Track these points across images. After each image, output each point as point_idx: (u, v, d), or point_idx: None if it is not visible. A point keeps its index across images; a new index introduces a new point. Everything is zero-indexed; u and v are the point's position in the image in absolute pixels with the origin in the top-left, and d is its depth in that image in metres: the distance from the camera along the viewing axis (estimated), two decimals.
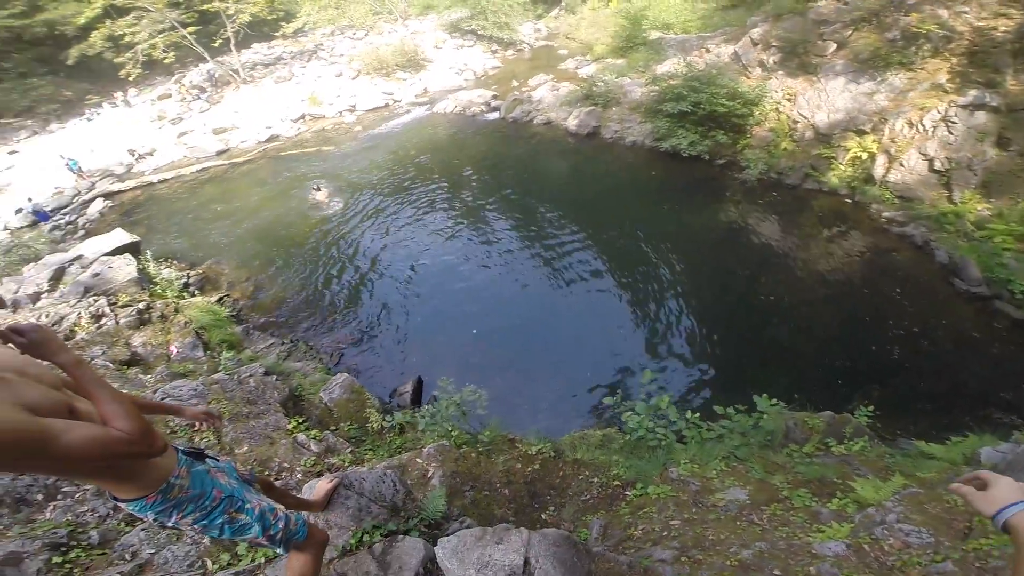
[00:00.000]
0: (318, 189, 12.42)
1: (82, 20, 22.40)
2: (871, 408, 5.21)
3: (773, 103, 12.73)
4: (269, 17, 26.24)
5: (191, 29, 23.25)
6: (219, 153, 17.97)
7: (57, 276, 8.77)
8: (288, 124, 19.44)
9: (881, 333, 7.77)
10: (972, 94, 9.97)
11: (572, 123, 15.03)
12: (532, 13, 29.87)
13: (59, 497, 3.70)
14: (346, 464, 4.24)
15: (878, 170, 10.73)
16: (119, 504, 1.62)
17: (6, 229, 15.50)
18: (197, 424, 2.20)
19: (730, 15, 19.33)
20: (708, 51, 15.59)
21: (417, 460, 4.16)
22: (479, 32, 26.33)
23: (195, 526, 1.76)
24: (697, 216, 10.68)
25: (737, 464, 4.45)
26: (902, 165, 10.43)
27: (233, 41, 24.21)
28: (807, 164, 11.63)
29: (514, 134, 15.47)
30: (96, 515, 3.56)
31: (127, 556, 3.11)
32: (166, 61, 23.42)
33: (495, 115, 17.17)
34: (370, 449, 4.77)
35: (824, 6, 13.03)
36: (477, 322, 8.10)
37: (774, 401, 5.03)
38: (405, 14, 29.95)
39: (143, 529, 3.29)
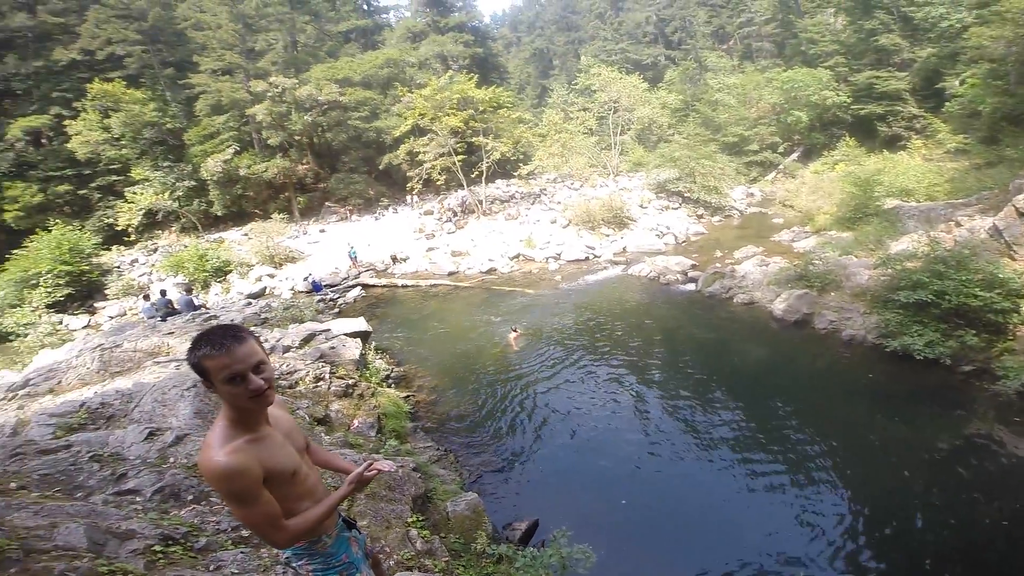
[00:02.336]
0: (515, 330, 13.19)
1: (397, 133, 28.59)
2: None
3: None
4: (512, 157, 29.94)
5: (459, 158, 27.50)
6: (450, 274, 20.56)
7: (307, 339, 10.47)
8: (505, 260, 21.32)
9: None
10: None
11: (779, 307, 12.96)
12: (746, 177, 29.17)
13: (201, 503, 4.12)
14: (437, 570, 4.18)
15: None
16: None
17: (292, 289, 19.98)
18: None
19: (987, 175, 16.17)
20: (959, 224, 12.78)
21: None
22: (685, 194, 26.12)
23: (309, 572, 1.99)
24: (923, 431, 8.36)
25: None
26: None
27: (484, 175, 27.88)
28: None
29: (709, 311, 14.29)
30: (216, 527, 3.85)
31: (211, 567, 3.27)
32: (438, 182, 27.99)
33: (691, 287, 15.99)
34: (463, 566, 4.64)
35: None
36: (619, 488, 7.49)
37: None
38: (617, 170, 31.26)
39: (242, 552, 3.49)
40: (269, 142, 30.68)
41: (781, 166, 29.38)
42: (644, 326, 13.64)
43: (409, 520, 4.78)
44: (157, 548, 3.22)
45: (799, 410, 9.30)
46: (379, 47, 42.98)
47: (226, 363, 1.62)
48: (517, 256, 21.89)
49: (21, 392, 7.20)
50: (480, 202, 28.03)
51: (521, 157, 31.37)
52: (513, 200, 29.55)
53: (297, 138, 31.43)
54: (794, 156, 29.81)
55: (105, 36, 31.06)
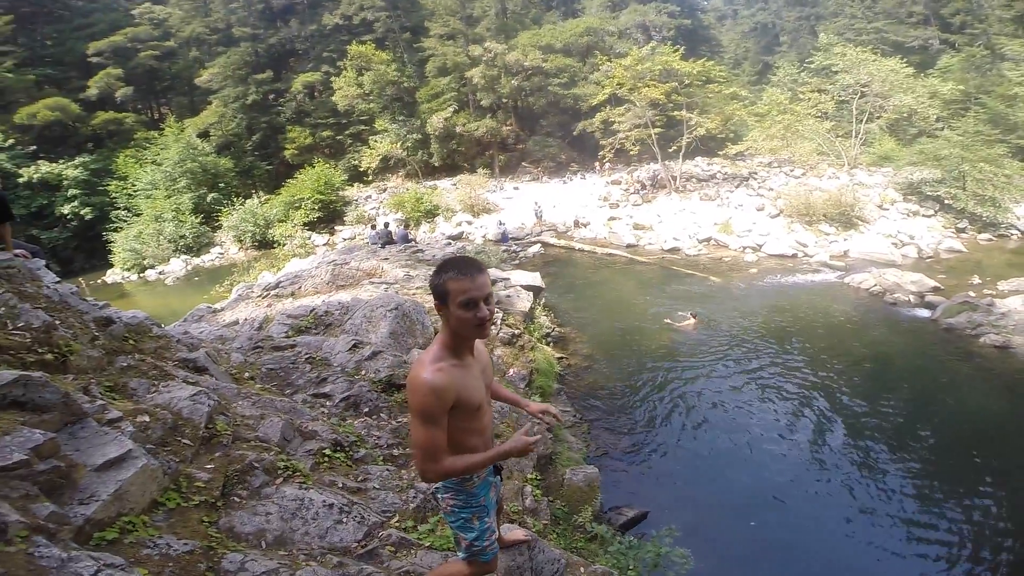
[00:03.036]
0: (693, 316, 11.98)
1: (594, 101, 28.38)
2: None
3: None
4: (718, 135, 27.40)
5: (656, 131, 25.98)
6: (628, 246, 19.86)
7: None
8: (692, 243, 19.69)
9: None
10: None
11: None
12: None
13: (372, 417, 4.38)
14: (534, 530, 4.00)
15: None
16: None
17: (484, 236, 22.12)
18: (538, 418, 2.44)
19: None
20: None
21: (581, 569, 3.56)
22: (946, 200, 20.62)
23: (450, 506, 2.05)
24: None
25: None
26: None
27: (683, 151, 26.00)
28: None
29: (942, 346, 11.03)
30: (375, 442, 4.04)
31: (359, 478, 3.44)
32: (631, 153, 27.11)
33: (925, 313, 12.47)
34: (557, 534, 4.47)
35: None
36: (753, 512, 6.51)
37: None
38: (854, 161, 26.36)
39: (387, 470, 3.63)
40: (482, 103, 32.89)
41: None
42: (849, 348, 11.17)
43: (528, 476, 4.76)
44: (327, 451, 3.51)
45: None
46: (579, 15, 42.35)
47: (467, 287, 1.75)
48: (708, 240, 20.06)
49: (272, 292, 8.85)
50: (674, 178, 26.26)
51: (730, 136, 28.44)
52: (713, 180, 26.90)
53: (504, 101, 33.22)
54: None
55: (358, 3, 36.18)
